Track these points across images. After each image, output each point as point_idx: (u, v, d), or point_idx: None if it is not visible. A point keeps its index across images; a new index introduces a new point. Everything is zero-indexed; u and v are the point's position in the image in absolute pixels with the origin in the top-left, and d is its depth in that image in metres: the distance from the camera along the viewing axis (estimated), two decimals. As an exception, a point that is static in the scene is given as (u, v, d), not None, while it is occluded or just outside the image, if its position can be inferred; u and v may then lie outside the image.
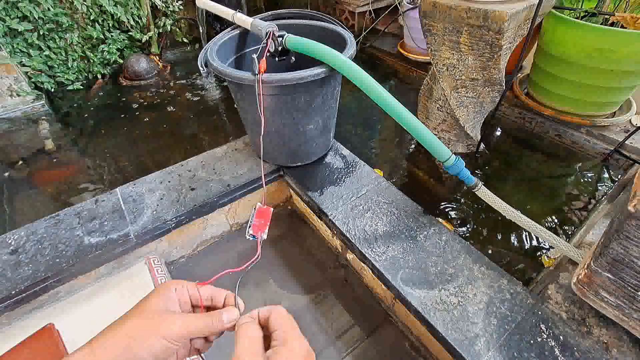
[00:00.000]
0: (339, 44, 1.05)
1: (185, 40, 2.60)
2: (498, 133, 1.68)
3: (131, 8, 2.21)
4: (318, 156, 1.21)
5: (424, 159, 1.53)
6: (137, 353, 0.34)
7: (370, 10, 2.43)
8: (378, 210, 1.03)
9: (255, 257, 0.49)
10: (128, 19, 2.21)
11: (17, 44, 1.96)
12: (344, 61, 0.89)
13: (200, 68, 1.02)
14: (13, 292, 0.87)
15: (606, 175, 1.40)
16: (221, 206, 1.14)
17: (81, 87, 2.22)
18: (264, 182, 1.04)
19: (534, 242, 1.16)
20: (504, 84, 1.24)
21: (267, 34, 0.96)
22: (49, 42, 2.06)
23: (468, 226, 1.22)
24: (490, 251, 1.14)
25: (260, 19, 1.12)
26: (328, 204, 1.06)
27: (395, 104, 0.89)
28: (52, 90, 2.16)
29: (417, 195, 1.09)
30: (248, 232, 0.60)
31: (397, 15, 2.32)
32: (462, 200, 1.31)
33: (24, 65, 2.00)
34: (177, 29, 2.54)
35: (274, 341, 0.36)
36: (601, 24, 1.33)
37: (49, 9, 1.96)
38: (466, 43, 1.15)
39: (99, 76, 2.30)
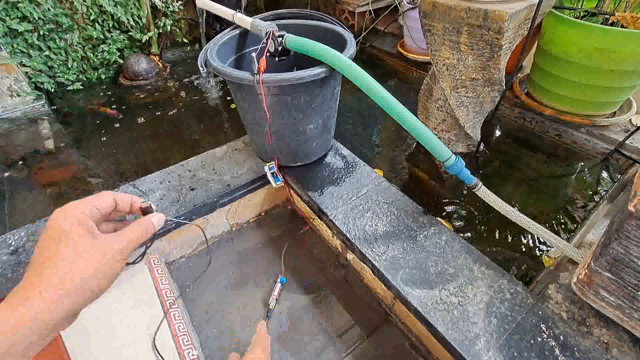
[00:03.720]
0: (339, 44, 1.05)
1: (185, 40, 2.60)
2: (498, 133, 1.68)
3: (131, 8, 2.21)
4: (318, 156, 1.21)
5: (424, 159, 1.52)
6: (89, 293, 0.34)
7: (370, 10, 2.43)
8: (378, 210, 1.03)
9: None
10: (128, 19, 2.21)
11: (17, 44, 1.96)
12: (344, 61, 0.89)
13: (200, 68, 1.02)
14: (13, 292, 0.87)
15: (606, 175, 1.40)
16: (221, 206, 1.14)
17: (81, 88, 2.22)
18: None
19: (534, 242, 1.16)
20: (504, 84, 1.24)
21: (267, 33, 0.96)
22: (49, 42, 2.06)
23: (468, 226, 1.22)
24: (490, 251, 1.14)
25: (260, 19, 1.12)
26: (328, 204, 1.06)
27: (395, 104, 0.89)
28: (52, 90, 2.16)
29: (417, 195, 1.09)
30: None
31: (397, 15, 2.32)
32: (462, 200, 1.31)
33: (24, 66, 2.00)
34: (177, 29, 2.54)
35: None
36: (601, 24, 1.33)
37: (49, 10, 1.96)
38: (466, 43, 1.15)
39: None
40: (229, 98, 2.07)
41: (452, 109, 1.34)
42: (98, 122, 1.91)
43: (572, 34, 1.27)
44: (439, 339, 0.77)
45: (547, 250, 1.12)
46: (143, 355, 0.83)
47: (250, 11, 2.89)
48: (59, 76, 2.17)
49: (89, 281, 0.34)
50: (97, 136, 1.79)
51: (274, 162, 1.13)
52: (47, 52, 2.06)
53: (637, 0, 1.33)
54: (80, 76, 2.26)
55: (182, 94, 2.14)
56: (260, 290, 1.06)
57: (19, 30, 1.90)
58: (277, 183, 1.13)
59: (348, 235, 0.97)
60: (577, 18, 1.34)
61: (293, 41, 0.96)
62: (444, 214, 1.27)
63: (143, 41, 2.34)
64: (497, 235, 1.19)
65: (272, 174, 1.13)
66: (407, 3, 2.04)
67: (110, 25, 2.22)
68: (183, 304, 1.00)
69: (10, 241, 0.98)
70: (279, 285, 1.03)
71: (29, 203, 1.43)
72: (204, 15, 2.21)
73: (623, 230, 0.64)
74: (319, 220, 1.13)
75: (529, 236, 1.17)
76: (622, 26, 1.30)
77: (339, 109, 1.17)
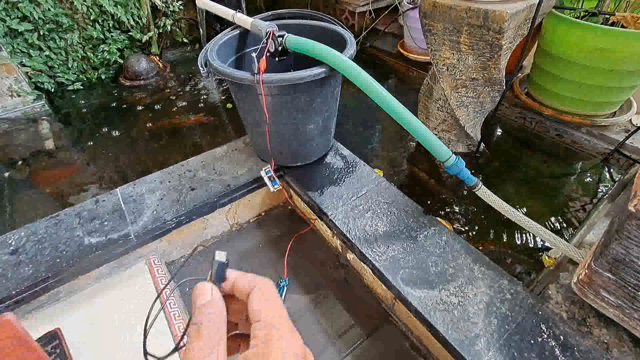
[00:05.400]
0: (339, 44, 1.05)
1: (185, 40, 2.60)
2: (498, 133, 1.68)
3: (131, 8, 2.21)
4: (318, 156, 1.21)
5: (424, 159, 1.52)
6: None
7: (370, 10, 2.43)
8: (378, 210, 1.03)
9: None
10: (128, 19, 2.21)
11: (18, 44, 1.96)
12: (344, 61, 0.89)
13: (200, 68, 1.02)
14: (13, 293, 0.87)
15: (606, 175, 1.40)
16: (221, 206, 1.14)
17: (81, 87, 2.22)
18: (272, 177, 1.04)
19: (535, 242, 1.16)
20: (504, 84, 1.24)
21: (267, 34, 0.96)
22: (49, 42, 2.06)
23: (468, 226, 1.22)
24: (490, 251, 1.14)
25: (260, 19, 1.12)
26: (328, 204, 1.06)
27: (395, 104, 0.89)
28: (52, 90, 2.16)
29: (417, 195, 1.09)
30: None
31: (397, 15, 2.32)
32: (462, 200, 1.31)
33: (24, 66, 2.00)
34: (177, 29, 2.54)
35: (252, 339, 0.25)
36: (601, 24, 1.33)
37: (49, 9, 1.96)
38: (466, 43, 1.14)
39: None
40: (229, 98, 2.07)
41: (452, 109, 1.34)
42: (98, 122, 1.91)
43: (572, 34, 1.27)
44: (439, 339, 0.77)
45: (547, 250, 1.12)
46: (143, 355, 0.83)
47: (250, 11, 2.89)
48: (59, 76, 2.17)
49: None
50: (97, 136, 1.79)
51: (269, 165, 1.13)
52: (47, 52, 2.06)
53: (637, 0, 1.33)
54: (81, 76, 2.26)
55: (182, 94, 2.14)
56: (260, 290, 1.06)
57: (19, 30, 1.90)
58: (275, 187, 1.13)
59: (348, 235, 0.97)
60: (577, 18, 1.34)
61: (293, 41, 0.96)
62: (444, 214, 1.27)
63: (143, 41, 2.34)
64: (497, 235, 1.18)
65: (270, 177, 1.13)
66: (407, 3, 2.04)
67: (111, 25, 2.22)
68: (183, 304, 1.00)
69: (10, 241, 0.98)
70: (284, 289, 1.04)
71: (29, 203, 1.43)
72: (204, 15, 2.21)
73: (623, 231, 0.64)
74: (320, 220, 1.12)
75: (529, 236, 1.17)
76: (622, 26, 1.30)
77: (339, 109, 1.17)
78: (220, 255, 0.28)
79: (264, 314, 0.26)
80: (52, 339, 0.82)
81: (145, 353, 0.28)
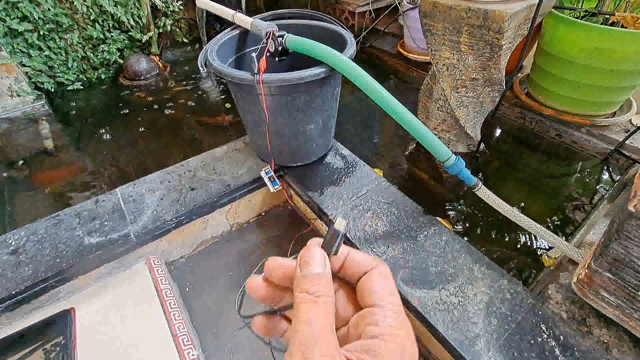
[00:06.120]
0: (339, 44, 1.05)
1: (185, 40, 2.60)
2: (498, 133, 1.68)
3: (131, 8, 2.21)
4: (318, 156, 1.21)
5: (424, 159, 1.52)
6: None
7: (370, 10, 2.43)
8: (378, 210, 1.03)
9: None
10: (128, 19, 2.21)
11: (17, 44, 1.95)
12: (344, 61, 0.89)
13: (200, 68, 1.02)
14: (13, 292, 0.87)
15: (606, 175, 1.40)
16: (221, 206, 1.14)
17: (81, 87, 2.22)
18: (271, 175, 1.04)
19: (535, 242, 1.15)
20: (504, 84, 1.24)
21: (267, 34, 0.96)
22: (49, 42, 2.06)
23: (468, 226, 1.22)
24: (490, 251, 1.14)
25: (260, 19, 1.12)
26: (328, 204, 1.06)
27: (395, 104, 0.89)
28: (52, 90, 2.16)
29: (417, 195, 1.09)
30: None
31: (397, 15, 2.32)
32: (462, 200, 1.31)
33: (24, 66, 2.00)
34: (177, 29, 2.54)
35: (372, 326, 0.22)
36: (601, 24, 1.33)
37: (49, 9, 1.96)
38: (466, 43, 1.14)
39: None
40: (229, 98, 2.07)
41: (452, 109, 1.34)
42: (97, 122, 1.91)
43: (572, 34, 1.27)
44: (439, 339, 0.77)
45: (547, 250, 1.12)
46: (143, 354, 0.83)
47: (250, 11, 2.89)
48: (59, 76, 2.17)
49: None
50: (97, 136, 1.79)
51: (269, 166, 1.13)
52: (47, 52, 2.06)
53: (637, 1, 1.33)
54: (80, 76, 2.26)
55: (182, 93, 2.14)
56: (260, 290, 1.06)
57: (19, 30, 1.90)
58: (275, 187, 1.13)
59: (348, 236, 0.97)
60: (577, 18, 1.34)
61: (293, 41, 0.96)
62: (444, 214, 1.27)
63: (143, 41, 2.34)
64: (497, 235, 1.18)
65: (270, 178, 1.13)
66: (407, 3, 2.04)
67: (111, 25, 2.22)
68: (183, 304, 1.00)
69: (10, 241, 0.98)
70: None
71: (29, 203, 1.43)
72: (204, 15, 2.21)
73: (623, 231, 0.64)
74: (319, 220, 1.13)
75: (529, 236, 1.17)
76: (622, 26, 1.30)
77: (339, 109, 1.17)
78: (341, 224, 0.25)
79: (390, 299, 0.23)
80: (56, 336, 0.82)
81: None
